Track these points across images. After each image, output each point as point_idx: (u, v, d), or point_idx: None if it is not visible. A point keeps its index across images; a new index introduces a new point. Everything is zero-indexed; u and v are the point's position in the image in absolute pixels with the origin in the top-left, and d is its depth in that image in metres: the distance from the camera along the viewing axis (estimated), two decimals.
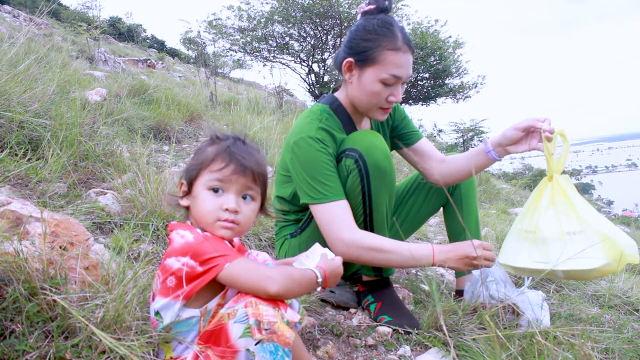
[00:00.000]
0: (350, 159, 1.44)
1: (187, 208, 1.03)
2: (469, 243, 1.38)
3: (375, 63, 1.41)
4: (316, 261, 1.06)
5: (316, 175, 1.41)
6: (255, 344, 0.82)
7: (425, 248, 1.40)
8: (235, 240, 1.09)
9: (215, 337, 0.86)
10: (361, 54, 1.43)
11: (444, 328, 1.14)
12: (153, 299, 0.94)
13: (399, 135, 1.73)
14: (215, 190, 0.97)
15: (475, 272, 1.54)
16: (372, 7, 1.46)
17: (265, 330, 0.83)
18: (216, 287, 0.92)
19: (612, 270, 1.24)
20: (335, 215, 1.40)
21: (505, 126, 1.49)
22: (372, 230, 1.50)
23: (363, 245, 1.37)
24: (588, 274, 1.27)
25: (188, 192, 1.01)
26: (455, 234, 1.78)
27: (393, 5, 1.51)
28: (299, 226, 1.62)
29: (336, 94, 1.60)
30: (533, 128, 1.41)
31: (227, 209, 0.96)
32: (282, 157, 1.59)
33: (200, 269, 0.88)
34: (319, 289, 0.99)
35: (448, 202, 1.78)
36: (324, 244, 1.54)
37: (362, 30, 1.44)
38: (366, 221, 1.48)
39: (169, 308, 0.90)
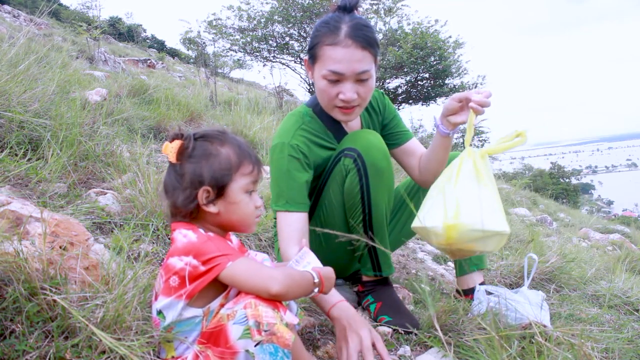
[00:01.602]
0: (349, 159, 1.44)
1: (193, 213, 0.98)
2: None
3: (317, 60, 1.41)
4: (309, 267, 1.07)
5: (281, 184, 1.44)
6: (255, 345, 0.82)
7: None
8: (235, 239, 1.09)
9: (214, 337, 0.86)
10: (308, 52, 1.45)
11: (439, 330, 1.14)
12: (156, 299, 0.94)
13: (389, 134, 1.69)
14: (251, 192, 1.01)
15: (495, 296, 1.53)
16: (336, 5, 1.44)
17: (265, 331, 0.83)
18: (219, 287, 0.92)
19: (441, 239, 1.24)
20: (287, 226, 1.43)
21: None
22: (371, 230, 1.50)
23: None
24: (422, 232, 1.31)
25: (215, 198, 0.97)
26: None
27: (362, 5, 1.45)
28: None
29: None
30: (468, 99, 1.36)
31: (259, 207, 1.03)
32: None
33: (202, 268, 0.88)
34: (315, 290, 0.99)
35: None
36: (321, 247, 1.55)
37: (313, 29, 1.45)
38: (365, 220, 1.48)
39: (172, 307, 0.90)
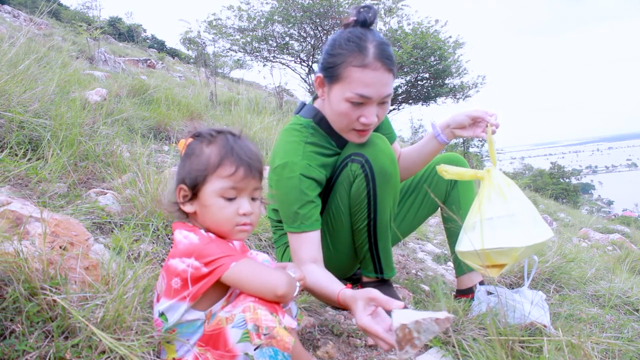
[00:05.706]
0: (356, 164, 1.42)
1: (187, 212, 1.00)
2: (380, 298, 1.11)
3: (340, 80, 1.33)
4: None
5: (294, 204, 1.37)
6: (255, 349, 0.82)
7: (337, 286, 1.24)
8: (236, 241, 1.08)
9: (214, 340, 0.86)
10: (328, 70, 1.36)
11: (449, 328, 1.14)
12: (158, 300, 0.94)
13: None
14: (230, 198, 0.95)
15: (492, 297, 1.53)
16: (352, 19, 1.36)
17: (265, 335, 0.83)
18: (221, 289, 0.92)
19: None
20: (302, 246, 1.37)
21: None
22: (375, 234, 1.50)
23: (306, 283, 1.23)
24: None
25: (191, 198, 0.97)
26: (453, 234, 1.78)
27: (379, 14, 1.39)
28: None
29: (317, 105, 1.51)
30: (481, 119, 1.48)
31: (244, 214, 0.96)
32: (269, 176, 1.50)
33: (205, 269, 0.88)
34: (298, 284, 1.00)
35: (445, 203, 1.77)
36: (328, 250, 1.54)
37: (331, 45, 1.36)
38: (370, 225, 1.48)
39: (175, 310, 0.90)
